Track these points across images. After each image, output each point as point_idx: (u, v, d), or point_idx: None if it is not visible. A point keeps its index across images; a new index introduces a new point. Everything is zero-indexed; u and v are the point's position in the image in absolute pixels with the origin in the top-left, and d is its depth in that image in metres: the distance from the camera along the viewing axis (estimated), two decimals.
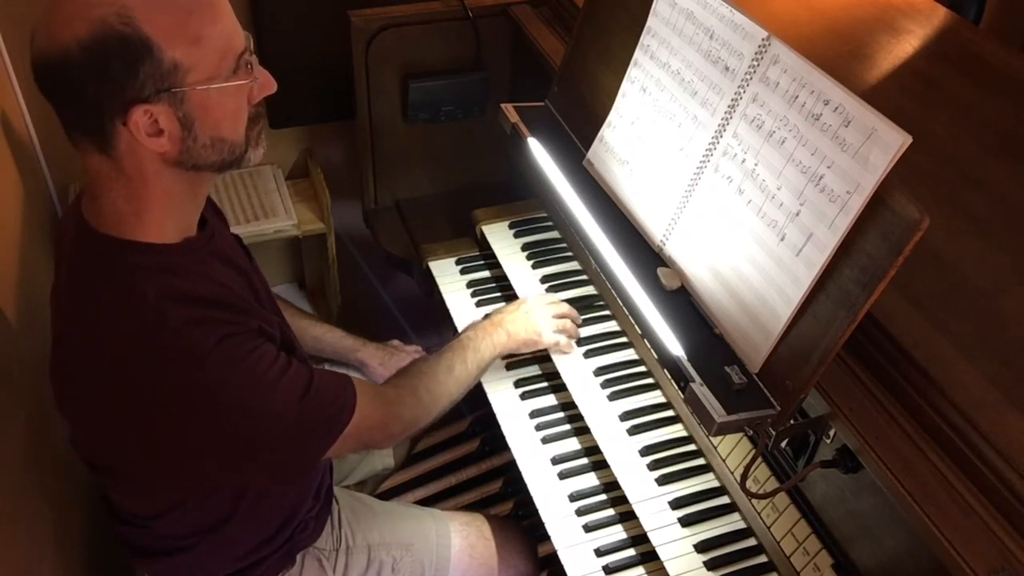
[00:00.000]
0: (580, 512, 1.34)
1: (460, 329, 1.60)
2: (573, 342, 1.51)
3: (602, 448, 1.37)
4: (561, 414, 1.49)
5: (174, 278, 0.99)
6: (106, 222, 0.99)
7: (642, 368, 1.50)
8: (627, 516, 1.33)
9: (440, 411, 1.32)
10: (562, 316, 1.50)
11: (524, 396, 1.52)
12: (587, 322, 1.57)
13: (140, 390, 0.97)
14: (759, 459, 1.15)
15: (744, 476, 1.12)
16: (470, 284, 1.73)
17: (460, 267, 1.77)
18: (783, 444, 1.14)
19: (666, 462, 1.35)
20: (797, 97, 1.01)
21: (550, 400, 1.52)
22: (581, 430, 1.45)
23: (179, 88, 0.92)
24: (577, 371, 1.49)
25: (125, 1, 0.88)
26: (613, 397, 1.44)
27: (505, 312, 1.48)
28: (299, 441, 1.08)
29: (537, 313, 1.47)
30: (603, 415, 1.41)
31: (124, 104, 0.90)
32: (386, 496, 1.63)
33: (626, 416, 1.41)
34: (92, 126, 0.92)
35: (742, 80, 1.09)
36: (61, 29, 0.88)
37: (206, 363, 0.97)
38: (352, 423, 1.12)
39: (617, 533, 1.32)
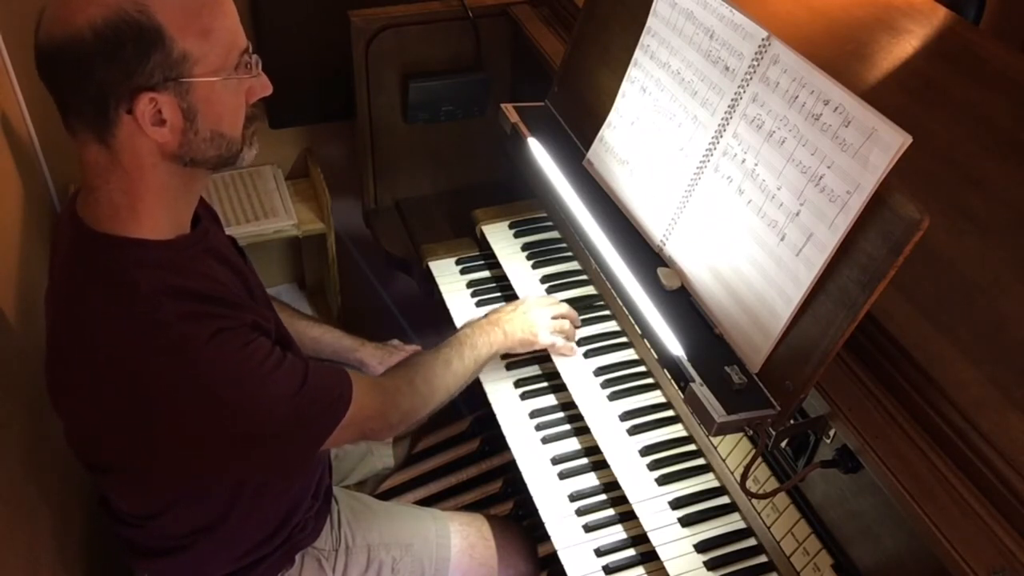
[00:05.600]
0: (580, 512, 1.34)
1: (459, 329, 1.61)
2: (573, 345, 1.51)
3: (602, 448, 1.37)
4: (561, 414, 1.49)
5: (168, 273, 0.99)
6: (101, 218, 0.99)
7: (642, 368, 1.50)
8: (627, 516, 1.33)
9: (437, 404, 1.32)
10: (560, 317, 1.50)
11: (524, 396, 1.52)
12: (587, 322, 1.57)
13: (134, 384, 0.98)
14: (759, 459, 1.15)
15: (744, 476, 1.12)
16: (470, 284, 1.73)
17: (460, 267, 1.77)
18: (783, 444, 1.14)
19: (666, 462, 1.35)
20: (797, 97, 1.01)
21: (550, 400, 1.52)
22: (581, 430, 1.45)
23: (186, 79, 0.93)
24: (577, 371, 1.48)
25: None
26: (613, 397, 1.44)
27: (503, 311, 1.48)
28: (296, 432, 1.09)
29: (535, 313, 1.47)
30: (603, 415, 1.41)
31: (131, 91, 0.91)
32: (386, 496, 1.63)
33: (626, 416, 1.41)
34: (95, 113, 0.93)
35: (742, 80, 1.09)
36: (75, 14, 0.88)
37: (200, 357, 0.97)
38: (349, 413, 1.12)
39: (617, 533, 1.32)
